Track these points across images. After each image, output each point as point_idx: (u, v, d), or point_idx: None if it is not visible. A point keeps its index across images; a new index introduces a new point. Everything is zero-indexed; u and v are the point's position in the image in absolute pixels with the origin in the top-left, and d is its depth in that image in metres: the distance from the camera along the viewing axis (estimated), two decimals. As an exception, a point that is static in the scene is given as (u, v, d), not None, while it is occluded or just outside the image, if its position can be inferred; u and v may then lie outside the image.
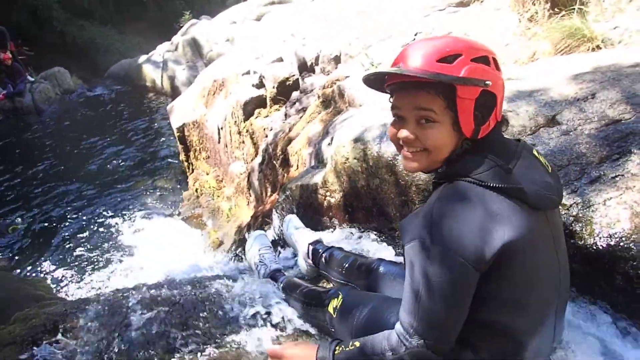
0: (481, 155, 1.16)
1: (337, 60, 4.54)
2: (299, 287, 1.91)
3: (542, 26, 2.84)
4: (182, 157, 6.89)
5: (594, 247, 1.52)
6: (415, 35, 3.68)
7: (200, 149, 6.44)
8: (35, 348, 1.67)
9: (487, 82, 1.13)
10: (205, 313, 1.95)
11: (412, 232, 1.15)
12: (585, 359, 1.43)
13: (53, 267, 6.10)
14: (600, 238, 1.51)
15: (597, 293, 1.57)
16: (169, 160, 8.64)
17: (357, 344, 1.29)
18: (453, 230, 1.08)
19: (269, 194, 4.31)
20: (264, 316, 1.85)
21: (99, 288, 5.54)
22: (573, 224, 1.59)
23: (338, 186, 2.53)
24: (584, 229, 1.56)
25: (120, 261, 6.04)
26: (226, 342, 1.74)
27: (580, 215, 1.58)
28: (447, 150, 1.19)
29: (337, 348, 1.32)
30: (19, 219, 7.25)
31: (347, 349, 1.30)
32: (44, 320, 1.83)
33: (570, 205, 1.62)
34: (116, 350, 1.71)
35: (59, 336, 1.71)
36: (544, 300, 1.22)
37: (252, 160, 5.02)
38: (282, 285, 2.00)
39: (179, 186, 7.60)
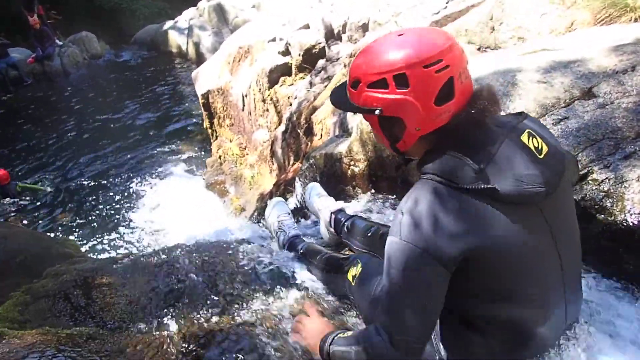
0: (444, 152, 1.13)
1: (365, 28, 4.44)
2: (319, 253, 1.93)
3: (582, -6, 2.71)
4: (206, 124, 6.92)
5: (624, 224, 1.48)
6: (447, 2, 3.56)
7: (224, 116, 6.46)
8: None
9: (377, 110, 1.15)
10: (230, 275, 1.99)
11: (392, 224, 1.17)
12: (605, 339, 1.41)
13: (78, 228, 6.30)
14: (631, 215, 1.48)
15: (626, 270, 1.54)
16: (193, 126, 8.70)
17: (349, 333, 1.31)
18: (418, 228, 1.09)
19: (291, 162, 4.32)
20: (288, 279, 1.89)
21: (124, 248, 5.72)
22: (603, 200, 1.55)
23: (363, 155, 2.51)
24: (614, 205, 1.52)
25: (143, 224, 6.19)
26: (251, 304, 1.78)
27: (612, 190, 1.54)
28: (404, 147, 1.23)
29: (339, 335, 1.33)
30: (45, 182, 7.43)
31: (342, 337, 1.31)
32: (74, 276, 1.90)
33: (602, 181, 1.57)
34: (143, 308, 1.76)
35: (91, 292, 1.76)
36: (543, 289, 1.20)
37: (275, 128, 5.02)
38: (301, 251, 2.02)
39: (202, 153, 7.68)
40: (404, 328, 1.13)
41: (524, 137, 1.15)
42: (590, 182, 1.60)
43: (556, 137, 1.25)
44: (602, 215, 1.53)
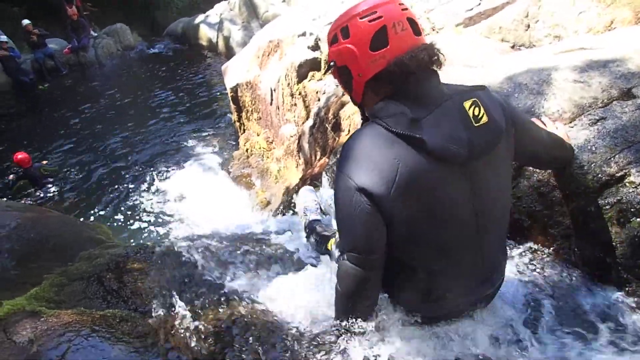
0: (391, 102, 1.25)
1: (396, 24, 4.40)
2: (320, 231, 2.09)
3: (623, -8, 2.63)
4: (234, 117, 6.99)
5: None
6: (481, -1, 3.51)
7: (252, 109, 6.51)
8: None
9: (331, 62, 1.37)
10: (252, 266, 2.03)
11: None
12: None
13: (105, 214, 6.46)
14: (669, 219, 1.44)
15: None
16: (222, 119, 8.81)
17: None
18: (352, 162, 1.24)
19: (318, 157, 4.33)
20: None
21: (150, 236, 5.84)
22: (640, 203, 1.51)
23: (391, 151, 2.49)
24: (652, 208, 1.48)
25: (169, 213, 6.30)
26: (272, 294, 1.81)
27: (650, 194, 1.50)
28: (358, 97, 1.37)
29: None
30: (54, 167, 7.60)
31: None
32: (107, 260, 1.96)
33: (639, 184, 1.54)
34: (171, 294, 1.80)
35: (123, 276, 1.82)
36: (456, 245, 1.32)
37: (303, 123, 5.03)
38: (314, 233, 2.13)
39: (230, 145, 7.76)
40: (353, 245, 1.29)
41: (467, 104, 1.24)
42: (627, 184, 1.56)
43: (501, 116, 1.31)
44: (639, 219, 1.50)
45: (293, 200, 3.69)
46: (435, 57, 1.27)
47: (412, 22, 1.26)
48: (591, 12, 2.71)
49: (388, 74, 1.24)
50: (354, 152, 1.25)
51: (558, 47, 2.47)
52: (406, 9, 1.26)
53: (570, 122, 1.81)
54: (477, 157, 1.23)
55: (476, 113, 1.24)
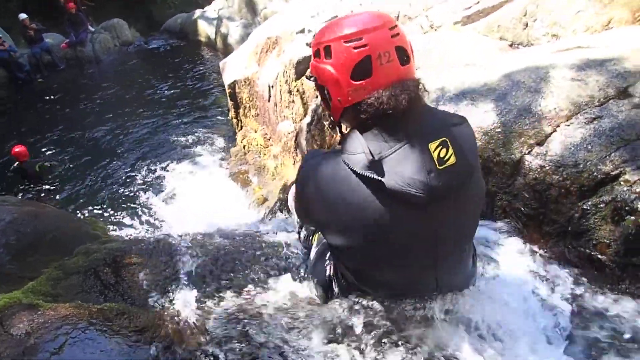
0: (356, 136, 1.20)
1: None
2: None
3: (621, -8, 2.64)
4: (231, 113, 6.98)
5: (656, 227, 1.46)
6: (480, -3, 3.51)
7: (250, 106, 6.50)
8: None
9: (312, 78, 1.33)
10: (247, 261, 2.04)
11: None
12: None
13: (101, 210, 6.44)
14: (664, 218, 1.45)
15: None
16: (219, 116, 8.79)
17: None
18: (308, 185, 1.31)
19: (316, 154, 4.33)
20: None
21: (146, 231, 5.83)
22: (635, 201, 1.53)
23: (388, 148, 2.50)
24: (647, 207, 1.50)
25: (165, 209, 6.28)
26: (265, 289, 1.82)
27: (645, 192, 1.51)
28: (335, 117, 1.36)
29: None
30: (54, 162, 7.57)
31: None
32: (104, 254, 1.96)
33: (634, 182, 1.55)
34: (168, 288, 1.81)
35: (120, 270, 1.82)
36: (406, 270, 1.34)
37: (301, 120, 5.03)
38: (301, 227, 2.14)
39: (227, 142, 7.75)
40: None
41: (433, 145, 1.16)
42: (622, 183, 1.58)
43: (474, 153, 1.26)
44: (633, 217, 1.51)
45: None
46: (416, 98, 1.20)
47: (401, 51, 1.19)
48: (589, 12, 2.72)
49: (366, 107, 1.18)
50: (310, 177, 1.29)
51: (556, 46, 2.49)
52: (397, 34, 1.18)
53: (567, 120, 1.82)
54: (439, 200, 1.19)
55: (442, 155, 1.17)
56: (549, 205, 1.77)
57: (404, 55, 1.19)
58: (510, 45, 3.10)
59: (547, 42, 2.88)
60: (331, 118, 1.38)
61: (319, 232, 1.84)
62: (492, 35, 3.23)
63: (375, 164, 1.15)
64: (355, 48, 1.16)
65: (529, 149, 1.85)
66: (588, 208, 1.65)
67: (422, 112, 1.22)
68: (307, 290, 1.76)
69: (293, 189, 2.58)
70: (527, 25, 3.04)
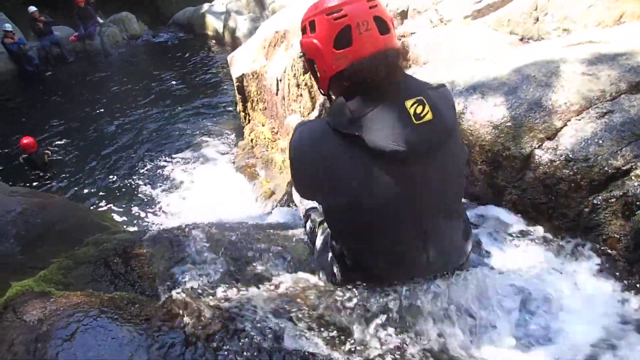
0: (340, 100, 1.29)
1: (403, 15, 4.38)
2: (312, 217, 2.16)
3: (634, -14, 2.61)
4: (239, 107, 6.99)
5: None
6: (490, -9, 3.48)
7: (257, 100, 6.50)
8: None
9: (301, 53, 1.41)
10: (256, 253, 2.05)
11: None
12: None
13: (110, 202, 6.49)
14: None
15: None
16: (227, 109, 8.81)
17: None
18: (299, 149, 1.36)
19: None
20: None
21: (153, 222, 5.87)
22: (646, 196, 1.51)
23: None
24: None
25: (173, 201, 6.33)
26: (273, 281, 1.83)
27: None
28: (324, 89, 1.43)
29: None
30: (47, 152, 7.58)
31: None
32: (114, 245, 1.98)
33: (646, 177, 1.54)
34: (178, 278, 1.82)
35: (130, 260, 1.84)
36: (396, 239, 1.37)
37: (308, 114, 5.03)
38: (307, 220, 2.19)
39: (234, 135, 7.76)
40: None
41: (408, 102, 1.24)
42: (633, 177, 1.57)
43: (452, 115, 1.35)
44: (643, 209, 1.50)
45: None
46: (395, 68, 1.29)
47: (379, 21, 1.26)
48: (600, 6, 2.69)
49: (348, 74, 1.28)
50: (301, 142, 1.35)
51: (567, 40, 2.47)
52: (375, 5, 1.26)
53: (578, 115, 1.81)
54: (419, 155, 1.25)
55: (418, 111, 1.24)
56: (559, 199, 1.77)
57: (383, 25, 1.27)
58: (521, 40, 3.08)
59: (558, 37, 2.85)
60: (321, 91, 1.45)
61: (324, 223, 1.88)
62: (502, 29, 3.21)
63: (355, 122, 1.23)
64: (335, 19, 1.25)
65: (539, 143, 1.84)
66: (598, 203, 1.65)
67: (401, 79, 1.30)
68: (314, 280, 1.78)
69: None
70: (537, 19, 3.02)
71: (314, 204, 2.38)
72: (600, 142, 1.69)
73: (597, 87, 1.85)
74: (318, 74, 1.37)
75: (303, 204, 2.34)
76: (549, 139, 1.82)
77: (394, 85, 1.28)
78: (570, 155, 1.73)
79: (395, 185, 1.27)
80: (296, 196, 2.50)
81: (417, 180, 1.28)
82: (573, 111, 1.82)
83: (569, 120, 1.81)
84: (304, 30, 1.36)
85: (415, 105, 1.24)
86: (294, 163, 1.42)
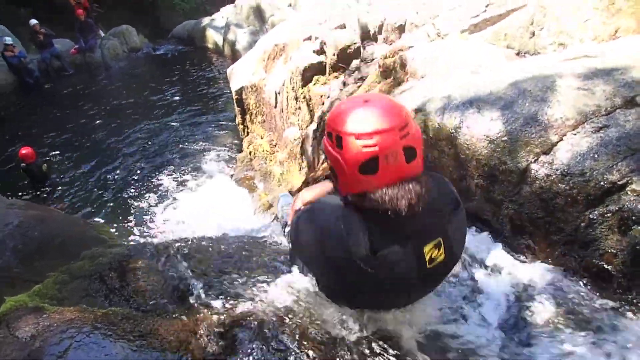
0: (358, 223, 1.28)
1: (401, 29, 4.42)
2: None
3: (628, 1, 2.64)
4: (238, 119, 7.01)
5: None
6: (487, 6, 3.52)
7: (256, 112, 6.53)
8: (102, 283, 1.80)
9: (323, 156, 1.36)
10: (253, 266, 2.04)
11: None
12: None
13: (107, 214, 6.47)
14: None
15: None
16: (226, 121, 8.83)
17: None
18: (303, 235, 1.43)
19: (321, 161, 4.34)
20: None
21: (151, 236, 5.85)
22: (642, 211, 1.51)
23: (394, 156, 2.51)
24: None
25: (172, 214, 6.31)
26: (271, 294, 1.81)
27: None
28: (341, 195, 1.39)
29: None
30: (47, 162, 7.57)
31: None
32: (110, 259, 1.97)
33: (642, 192, 1.54)
34: (173, 293, 1.81)
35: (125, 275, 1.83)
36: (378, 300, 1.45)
37: (307, 126, 5.05)
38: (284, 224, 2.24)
39: (233, 148, 7.78)
40: None
41: (427, 248, 1.29)
42: (629, 192, 1.57)
43: (463, 236, 1.43)
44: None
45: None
46: (416, 200, 1.23)
47: (408, 150, 1.22)
48: (596, 21, 2.72)
49: (369, 200, 1.24)
50: (314, 234, 1.37)
51: (563, 55, 2.48)
52: (406, 134, 1.21)
53: (574, 130, 1.81)
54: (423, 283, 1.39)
55: (434, 255, 1.30)
56: (555, 214, 1.76)
57: (411, 153, 1.23)
58: (517, 54, 3.11)
59: (554, 51, 2.88)
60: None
61: None
62: (498, 43, 3.24)
63: (371, 259, 1.25)
64: (365, 147, 1.20)
65: (535, 158, 1.84)
66: (595, 217, 1.64)
67: (421, 212, 1.24)
68: (309, 289, 1.77)
69: (280, 197, 2.68)
70: (533, 34, 3.05)
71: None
72: (596, 156, 1.69)
73: (592, 101, 1.86)
74: (338, 181, 1.33)
75: (285, 218, 2.36)
76: (545, 153, 1.83)
77: (417, 219, 1.25)
78: (566, 170, 1.73)
79: (391, 287, 1.35)
80: (279, 208, 2.54)
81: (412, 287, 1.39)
82: (569, 126, 1.83)
83: (565, 135, 1.82)
84: (329, 136, 1.29)
85: (433, 250, 1.30)
86: (303, 237, 1.42)
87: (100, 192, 7.08)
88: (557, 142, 1.82)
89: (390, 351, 1.45)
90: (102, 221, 6.20)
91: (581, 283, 1.70)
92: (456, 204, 1.37)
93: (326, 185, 1.69)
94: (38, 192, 7.05)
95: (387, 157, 1.20)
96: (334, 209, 1.35)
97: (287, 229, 2.07)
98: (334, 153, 1.27)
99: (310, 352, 1.42)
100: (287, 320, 1.55)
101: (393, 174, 1.22)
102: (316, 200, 1.54)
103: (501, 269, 1.87)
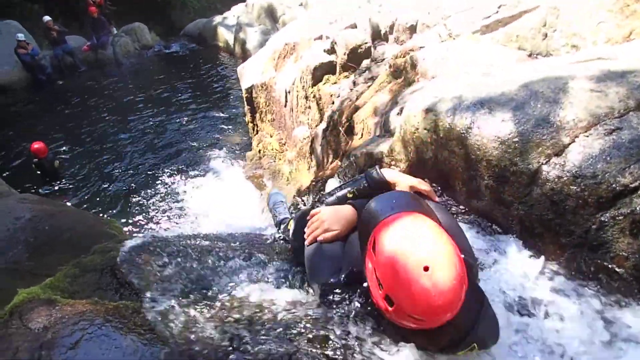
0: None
1: (412, 29, 4.41)
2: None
3: (643, 4, 2.62)
4: (248, 118, 7.04)
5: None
6: (499, 7, 3.50)
7: (266, 111, 6.55)
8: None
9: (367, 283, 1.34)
10: (261, 264, 2.05)
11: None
12: None
13: (117, 210, 6.54)
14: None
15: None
16: (236, 120, 8.88)
17: None
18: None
19: (330, 160, 4.35)
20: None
21: (161, 233, 5.88)
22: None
23: (404, 156, 2.51)
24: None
25: (181, 211, 6.36)
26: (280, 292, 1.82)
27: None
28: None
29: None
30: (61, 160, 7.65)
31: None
32: (121, 253, 1.99)
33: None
34: (182, 288, 1.83)
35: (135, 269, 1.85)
36: None
37: (316, 126, 5.06)
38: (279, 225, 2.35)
39: (243, 146, 7.82)
40: None
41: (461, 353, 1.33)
42: (641, 195, 1.56)
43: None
44: (652, 231, 1.49)
45: (303, 202, 3.71)
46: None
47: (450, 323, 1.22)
48: (610, 23, 2.70)
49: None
50: None
51: (575, 57, 2.47)
52: (454, 316, 1.20)
53: (586, 132, 1.80)
54: None
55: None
56: (566, 216, 1.75)
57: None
58: (529, 56, 3.09)
59: (567, 53, 2.86)
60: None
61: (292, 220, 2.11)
62: (510, 45, 3.22)
63: None
64: (414, 323, 1.21)
65: (547, 159, 1.83)
66: (606, 220, 1.63)
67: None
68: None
69: (271, 193, 2.87)
70: (546, 35, 3.03)
71: (286, 214, 2.41)
72: (608, 159, 1.68)
73: (605, 104, 1.84)
74: (377, 302, 1.31)
75: (278, 217, 2.42)
76: (557, 155, 1.82)
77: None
78: (578, 172, 1.72)
79: None
80: (271, 203, 2.93)
81: None
82: (581, 127, 1.82)
83: (577, 137, 1.81)
84: (379, 286, 1.24)
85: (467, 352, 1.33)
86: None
87: (109, 187, 7.15)
88: (569, 143, 1.81)
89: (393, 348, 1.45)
90: (112, 215, 6.26)
91: (591, 286, 1.69)
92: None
93: (350, 215, 1.63)
94: (49, 187, 7.13)
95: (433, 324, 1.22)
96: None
97: (288, 228, 2.16)
98: (382, 302, 1.25)
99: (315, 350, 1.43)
100: (295, 321, 1.56)
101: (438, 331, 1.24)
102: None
103: (510, 270, 1.86)
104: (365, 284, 1.33)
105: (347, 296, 1.44)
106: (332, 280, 1.47)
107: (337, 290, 1.46)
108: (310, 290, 1.73)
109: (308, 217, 1.72)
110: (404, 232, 1.21)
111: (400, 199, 1.35)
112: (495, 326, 1.38)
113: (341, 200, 1.73)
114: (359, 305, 1.41)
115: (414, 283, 1.14)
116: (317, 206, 1.77)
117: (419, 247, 1.17)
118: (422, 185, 1.78)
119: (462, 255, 1.23)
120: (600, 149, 1.71)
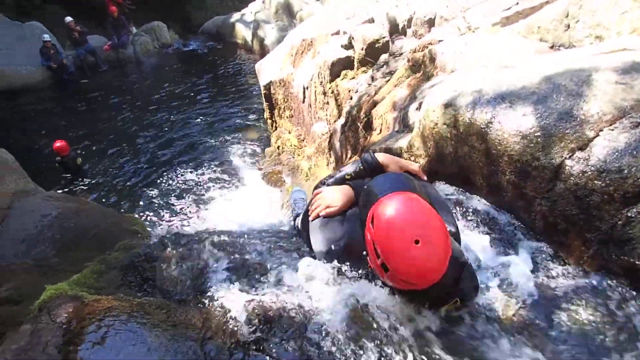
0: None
1: (430, 23, 4.37)
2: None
3: (670, -8, 2.54)
4: (266, 114, 7.07)
5: None
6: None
7: (284, 107, 6.57)
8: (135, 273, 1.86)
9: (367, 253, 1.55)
10: (280, 260, 2.06)
11: None
12: None
13: (140, 207, 6.63)
14: None
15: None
16: (254, 116, 8.93)
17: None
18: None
19: (349, 155, 4.34)
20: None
21: (181, 227, 5.96)
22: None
23: (423, 151, 2.49)
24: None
25: (201, 208, 6.42)
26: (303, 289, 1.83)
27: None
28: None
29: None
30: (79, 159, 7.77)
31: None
32: (144, 250, 2.03)
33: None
34: (205, 284, 1.85)
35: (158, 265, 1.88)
36: None
37: (335, 121, 5.05)
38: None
39: (261, 142, 7.86)
40: None
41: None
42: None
43: None
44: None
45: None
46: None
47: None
48: (635, 13, 2.62)
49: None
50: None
51: (599, 48, 2.41)
52: (437, 278, 1.35)
53: (611, 125, 1.76)
54: None
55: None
56: (590, 211, 1.72)
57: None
58: (551, 47, 3.02)
59: (590, 44, 2.79)
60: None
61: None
62: (531, 36, 3.16)
63: None
64: (406, 285, 1.41)
65: (570, 154, 1.80)
66: (632, 215, 1.60)
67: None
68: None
69: (293, 191, 2.94)
70: (568, 26, 2.96)
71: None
72: (635, 152, 1.64)
73: (630, 96, 1.80)
74: (374, 268, 1.48)
75: (296, 210, 2.74)
76: (581, 149, 1.78)
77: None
78: (603, 166, 1.69)
79: None
80: (292, 200, 3.02)
81: None
82: (605, 121, 1.78)
83: (601, 130, 1.77)
84: (377, 255, 1.41)
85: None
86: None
87: (131, 184, 7.26)
88: (594, 137, 1.77)
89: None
90: (134, 212, 6.36)
91: (616, 282, 1.66)
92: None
93: (348, 193, 1.81)
94: (72, 184, 7.28)
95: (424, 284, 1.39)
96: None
97: (298, 220, 2.28)
98: (378, 269, 1.43)
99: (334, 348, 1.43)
100: (322, 316, 1.57)
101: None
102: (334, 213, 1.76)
103: (533, 267, 1.84)
104: (364, 253, 1.50)
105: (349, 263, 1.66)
106: (332, 247, 1.69)
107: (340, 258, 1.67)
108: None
109: (312, 197, 1.94)
110: (398, 209, 1.38)
111: (395, 180, 1.53)
112: (474, 281, 1.61)
113: (340, 182, 1.94)
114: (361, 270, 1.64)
115: (406, 254, 1.33)
116: (319, 187, 1.99)
117: (411, 223, 1.35)
118: (412, 165, 1.98)
119: (448, 227, 1.45)
120: (626, 143, 1.67)
